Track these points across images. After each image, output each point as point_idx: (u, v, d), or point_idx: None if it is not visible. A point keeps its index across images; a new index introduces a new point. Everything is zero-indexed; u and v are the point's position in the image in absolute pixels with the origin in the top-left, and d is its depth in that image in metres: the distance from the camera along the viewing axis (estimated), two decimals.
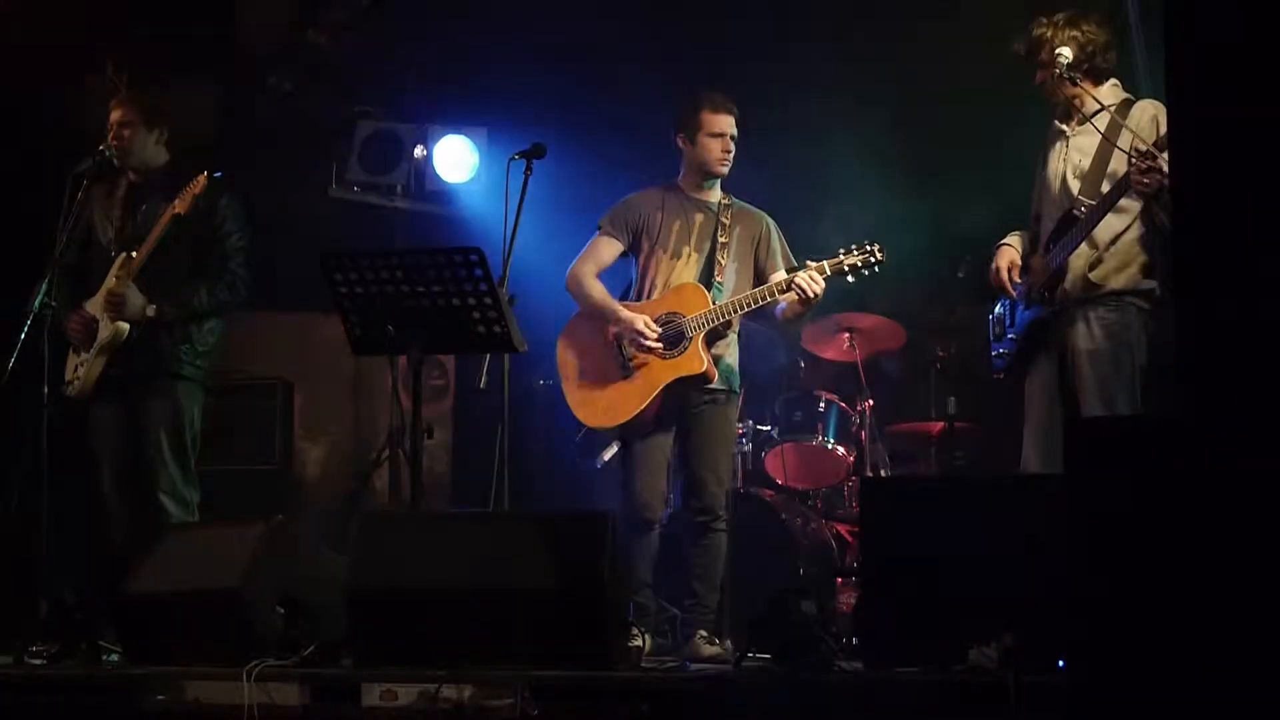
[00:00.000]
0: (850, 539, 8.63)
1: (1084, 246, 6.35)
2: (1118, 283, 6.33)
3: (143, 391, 7.15)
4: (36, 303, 6.87)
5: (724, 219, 7.13)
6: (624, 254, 7.23)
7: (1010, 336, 6.71)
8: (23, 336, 6.85)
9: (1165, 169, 5.84)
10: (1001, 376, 6.81)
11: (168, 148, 7.33)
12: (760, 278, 7.17)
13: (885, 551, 5.27)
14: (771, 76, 9.24)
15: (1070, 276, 6.40)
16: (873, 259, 6.93)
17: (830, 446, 8.94)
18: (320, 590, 5.68)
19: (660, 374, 6.93)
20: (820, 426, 8.98)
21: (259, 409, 9.06)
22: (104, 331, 7.05)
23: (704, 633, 6.86)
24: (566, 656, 5.20)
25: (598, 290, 7.13)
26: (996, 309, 6.86)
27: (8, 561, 6.91)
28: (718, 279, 7.04)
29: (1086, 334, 6.35)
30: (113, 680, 5.52)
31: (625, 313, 7.03)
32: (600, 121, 9.41)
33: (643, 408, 6.91)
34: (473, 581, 5.37)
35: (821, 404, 9.02)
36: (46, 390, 6.83)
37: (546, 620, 5.27)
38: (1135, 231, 6.32)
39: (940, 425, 9.08)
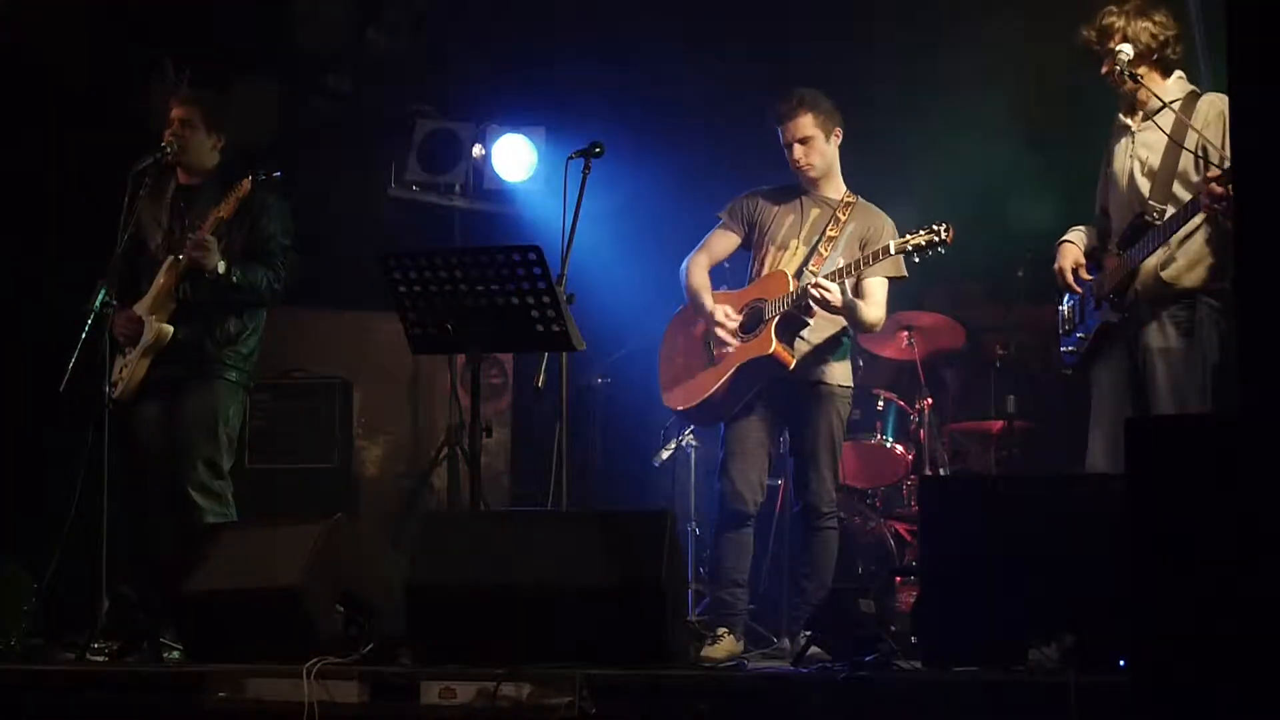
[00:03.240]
0: (909, 538, 8.61)
1: None
2: (1190, 281, 6.23)
3: (183, 391, 7.18)
4: (97, 301, 6.91)
5: (840, 215, 7.01)
6: (743, 247, 7.21)
7: (1079, 335, 6.62)
8: (84, 335, 6.89)
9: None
10: (1071, 372, 6.71)
11: (221, 153, 7.35)
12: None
13: (944, 550, 5.25)
14: (833, 76, 9.22)
15: (1141, 276, 6.31)
16: (938, 239, 6.65)
17: (889, 445, 8.93)
18: (379, 588, 5.71)
19: (734, 357, 6.95)
20: (879, 425, 8.96)
21: (318, 408, 9.08)
22: (148, 334, 7.09)
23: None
24: (625, 655, 5.20)
25: (697, 278, 7.16)
26: (1065, 304, 6.73)
27: (70, 560, 6.94)
28: (811, 268, 6.91)
29: (1160, 333, 6.26)
30: (174, 677, 5.55)
31: (710, 304, 7.05)
32: (660, 120, 9.40)
33: (715, 388, 6.94)
34: (531, 580, 5.37)
35: (880, 403, 9.00)
36: (106, 389, 6.88)
37: (605, 619, 5.28)
38: (1206, 231, 6.22)
39: (1000, 424, 9.04)
